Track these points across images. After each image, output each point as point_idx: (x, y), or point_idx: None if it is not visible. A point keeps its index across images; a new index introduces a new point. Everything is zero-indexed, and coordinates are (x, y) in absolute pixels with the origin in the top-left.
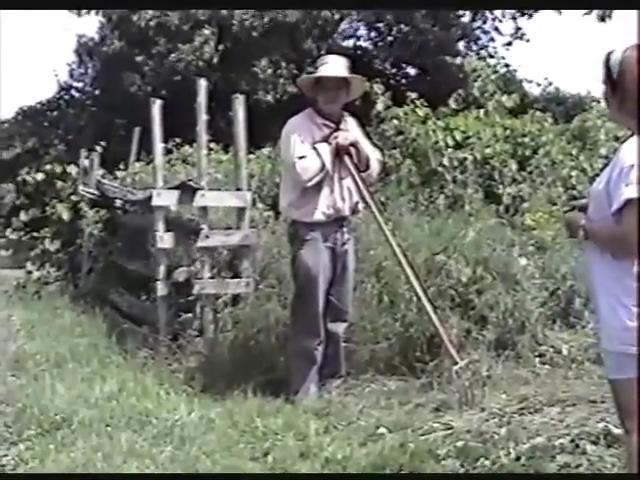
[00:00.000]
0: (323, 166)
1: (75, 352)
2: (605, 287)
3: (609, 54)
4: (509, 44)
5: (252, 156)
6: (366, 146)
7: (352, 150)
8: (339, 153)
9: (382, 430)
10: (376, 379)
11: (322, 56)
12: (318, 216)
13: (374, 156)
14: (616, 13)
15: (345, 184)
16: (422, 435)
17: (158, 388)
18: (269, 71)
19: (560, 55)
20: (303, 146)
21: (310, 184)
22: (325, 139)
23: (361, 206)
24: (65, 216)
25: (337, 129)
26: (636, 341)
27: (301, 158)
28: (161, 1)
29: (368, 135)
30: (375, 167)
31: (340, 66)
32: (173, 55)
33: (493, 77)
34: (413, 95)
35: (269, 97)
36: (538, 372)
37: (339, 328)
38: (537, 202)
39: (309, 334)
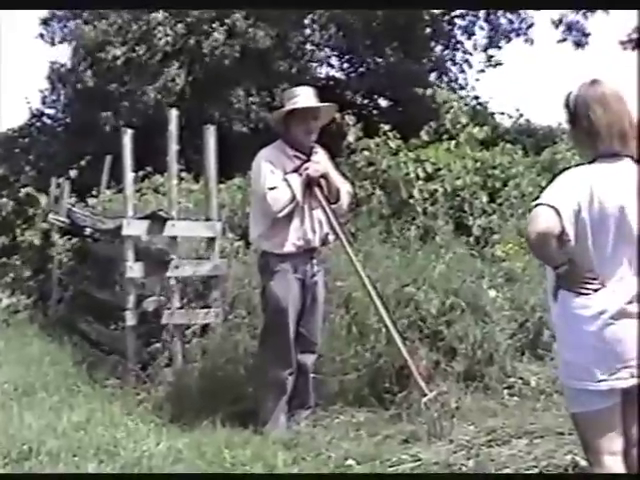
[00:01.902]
0: (294, 197)
1: (44, 381)
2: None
3: (569, 93)
4: (482, 71)
5: (223, 186)
6: (336, 178)
7: (322, 182)
8: (310, 184)
9: (350, 462)
10: (345, 410)
11: (288, 89)
12: (288, 247)
13: (344, 188)
14: (592, 40)
15: (315, 215)
16: (390, 467)
17: (126, 418)
18: (240, 100)
19: (531, 87)
20: (274, 177)
21: (280, 215)
22: (296, 170)
23: (331, 237)
24: (36, 244)
25: (308, 160)
26: (582, 375)
27: (272, 189)
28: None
29: (338, 167)
30: (345, 199)
31: (312, 97)
32: (143, 91)
33: (464, 109)
34: (386, 127)
35: (241, 127)
36: (507, 404)
37: (308, 359)
38: (507, 234)
39: (279, 365)
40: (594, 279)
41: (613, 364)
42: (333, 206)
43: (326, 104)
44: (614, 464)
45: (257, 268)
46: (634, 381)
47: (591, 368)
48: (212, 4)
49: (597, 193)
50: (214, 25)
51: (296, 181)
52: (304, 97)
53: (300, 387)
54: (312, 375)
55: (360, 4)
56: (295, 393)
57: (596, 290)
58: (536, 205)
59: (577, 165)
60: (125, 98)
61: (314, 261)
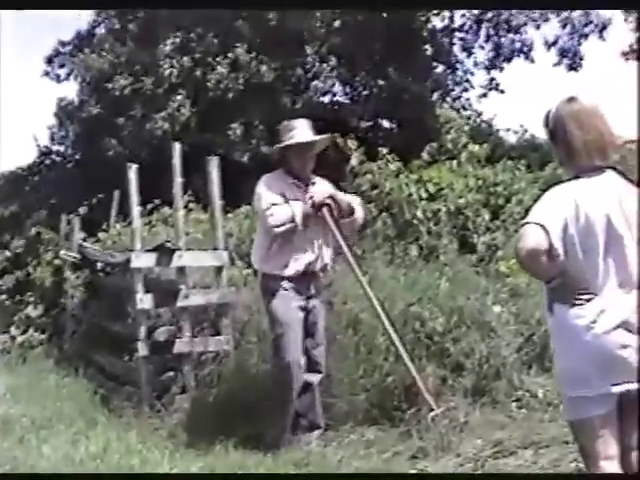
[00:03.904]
0: (293, 218)
1: (61, 414)
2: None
3: (548, 111)
4: (484, 95)
5: (230, 215)
6: (344, 196)
7: (331, 203)
8: (317, 208)
9: None
10: (355, 430)
11: (285, 122)
12: (287, 271)
13: (356, 201)
14: (586, 63)
15: (316, 242)
16: None
17: (141, 446)
18: (243, 132)
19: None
20: (273, 196)
21: (277, 230)
22: (297, 198)
23: (330, 264)
24: (47, 281)
25: (306, 188)
26: (578, 384)
27: (272, 205)
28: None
29: (341, 190)
30: (360, 210)
31: (307, 130)
32: (149, 122)
33: (466, 128)
34: (385, 150)
35: (244, 158)
36: (514, 416)
37: (314, 378)
38: (511, 250)
39: (285, 384)
40: (586, 289)
41: (608, 371)
42: (349, 219)
43: (320, 137)
44: (610, 468)
45: (260, 290)
46: (630, 387)
47: (587, 376)
48: (211, 4)
49: (582, 207)
50: (218, 59)
51: (298, 206)
52: (300, 131)
53: (308, 407)
54: (319, 397)
55: (361, 4)
56: (303, 413)
57: (589, 300)
58: (524, 224)
59: (561, 182)
60: (131, 130)
61: (312, 285)
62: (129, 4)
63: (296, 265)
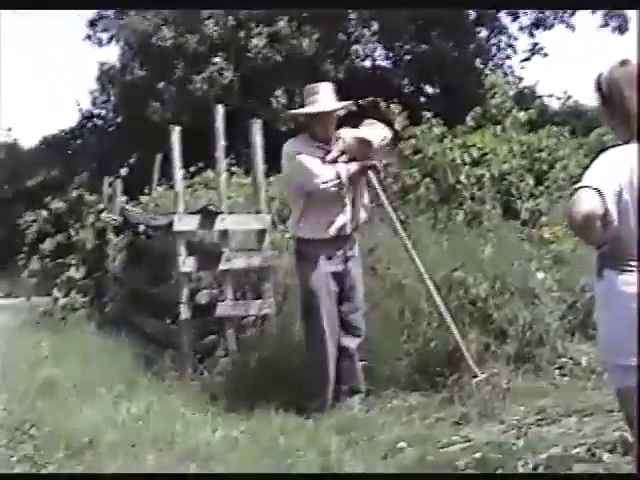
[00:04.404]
0: (338, 176)
1: (103, 377)
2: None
3: (599, 75)
4: (527, 59)
5: (273, 179)
6: (369, 128)
7: (377, 164)
8: (362, 170)
9: (402, 444)
10: (397, 395)
11: (309, 86)
12: (319, 235)
13: (378, 127)
14: (632, 25)
15: (349, 203)
16: (441, 448)
17: (184, 409)
18: (285, 101)
19: (578, 68)
20: (309, 158)
21: (324, 187)
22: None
23: (365, 222)
24: (89, 243)
25: (329, 149)
26: (626, 351)
27: (314, 167)
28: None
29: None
30: (387, 131)
31: (330, 97)
32: (192, 82)
33: (511, 93)
34: (428, 114)
35: (284, 128)
36: (557, 384)
37: (351, 343)
38: (555, 216)
39: (318, 350)
40: (637, 257)
41: None
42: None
43: (342, 104)
44: None
45: (294, 255)
46: None
47: (634, 344)
48: (217, 4)
49: (636, 173)
50: (258, 29)
51: (343, 166)
52: (322, 96)
53: (348, 371)
54: (361, 361)
55: (362, 4)
56: (344, 377)
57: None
58: (578, 188)
59: (613, 146)
60: (173, 91)
61: (347, 247)
62: (130, 4)
63: (328, 229)
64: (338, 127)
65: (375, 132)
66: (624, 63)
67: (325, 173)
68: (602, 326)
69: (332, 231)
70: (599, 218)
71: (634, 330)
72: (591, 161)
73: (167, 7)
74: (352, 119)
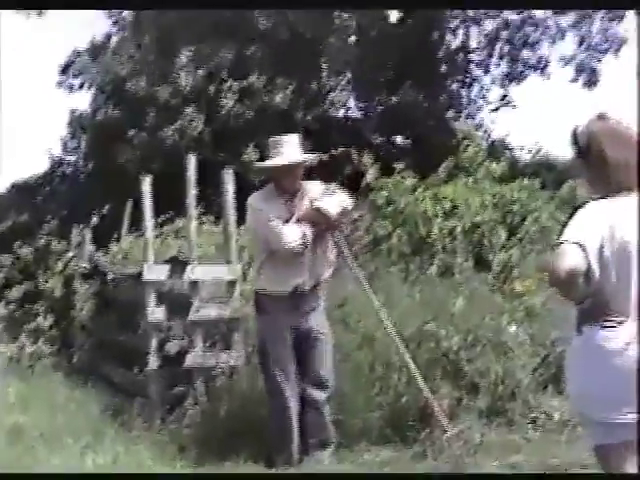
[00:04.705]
0: (304, 236)
1: (69, 426)
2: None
3: (576, 128)
4: (496, 110)
5: (243, 228)
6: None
7: (344, 221)
8: (331, 228)
9: None
10: (369, 449)
11: (274, 138)
12: (277, 288)
13: (342, 201)
14: (602, 80)
15: (310, 260)
16: None
17: (151, 461)
18: (257, 155)
19: (549, 121)
20: (274, 214)
21: (289, 247)
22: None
23: (326, 279)
24: (58, 291)
25: (293, 201)
26: (607, 408)
27: (280, 225)
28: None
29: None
30: (348, 201)
31: (295, 149)
32: (163, 130)
33: (483, 145)
34: (400, 166)
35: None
36: (530, 438)
37: (319, 396)
38: (527, 269)
39: (277, 401)
40: (618, 312)
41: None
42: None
43: (308, 156)
44: None
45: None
46: None
47: (617, 400)
48: (215, 4)
49: (617, 227)
50: (228, 83)
51: (308, 227)
52: (287, 149)
53: (316, 424)
54: (328, 413)
55: (363, 4)
56: (312, 431)
57: (621, 323)
58: (560, 242)
59: (592, 200)
60: (145, 138)
61: (308, 302)
62: (129, 5)
63: (285, 285)
64: (308, 176)
65: (335, 202)
66: (602, 117)
67: (291, 233)
68: (576, 380)
69: (289, 287)
70: (582, 273)
71: (617, 387)
72: (569, 215)
73: (165, 7)
74: (324, 169)
